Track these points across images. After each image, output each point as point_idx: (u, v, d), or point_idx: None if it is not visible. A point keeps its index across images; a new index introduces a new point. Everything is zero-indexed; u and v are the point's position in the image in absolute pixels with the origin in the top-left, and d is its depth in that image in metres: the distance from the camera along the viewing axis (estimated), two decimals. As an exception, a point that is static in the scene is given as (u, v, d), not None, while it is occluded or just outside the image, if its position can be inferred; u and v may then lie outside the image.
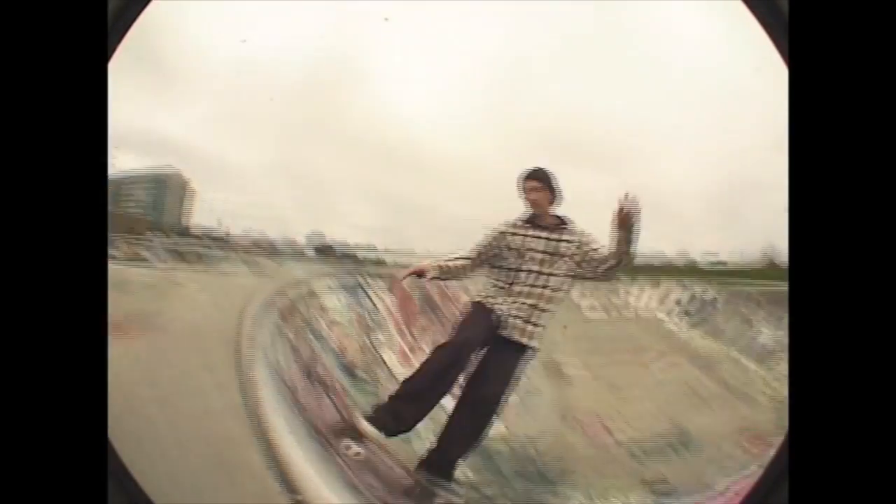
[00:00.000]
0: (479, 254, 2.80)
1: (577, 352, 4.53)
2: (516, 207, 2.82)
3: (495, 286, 2.76)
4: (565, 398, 4.24)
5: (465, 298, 3.20)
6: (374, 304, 4.66)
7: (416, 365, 2.74)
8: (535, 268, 2.70)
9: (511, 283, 2.71)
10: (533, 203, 2.75)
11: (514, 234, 2.75)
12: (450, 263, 2.77)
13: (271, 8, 4.34)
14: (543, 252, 2.70)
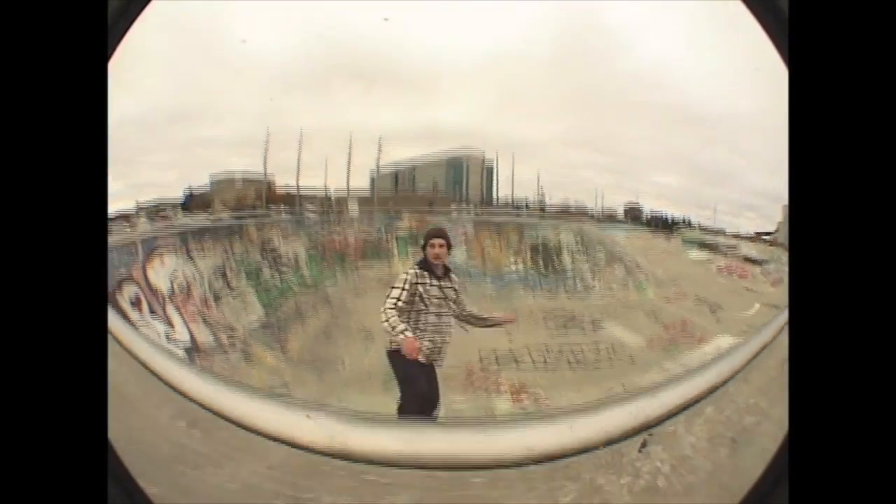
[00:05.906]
0: (401, 300, 3.27)
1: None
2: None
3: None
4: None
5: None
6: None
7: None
8: (434, 310, 3.35)
9: (416, 322, 3.30)
10: (436, 256, 3.38)
11: (419, 283, 3.33)
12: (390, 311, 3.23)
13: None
14: (437, 297, 3.37)
